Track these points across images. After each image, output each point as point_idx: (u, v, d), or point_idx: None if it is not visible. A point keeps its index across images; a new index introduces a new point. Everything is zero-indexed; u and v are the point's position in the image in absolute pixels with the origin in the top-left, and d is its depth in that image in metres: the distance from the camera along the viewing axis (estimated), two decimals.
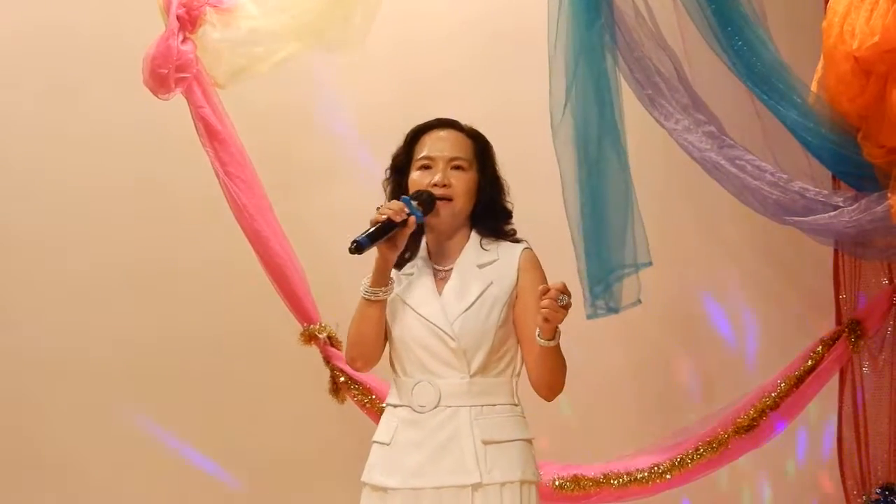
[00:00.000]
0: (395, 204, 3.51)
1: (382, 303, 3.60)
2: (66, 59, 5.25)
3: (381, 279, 3.57)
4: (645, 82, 4.31)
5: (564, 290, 3.37)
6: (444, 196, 3.59)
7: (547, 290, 3.36)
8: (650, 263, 4.13)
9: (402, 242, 3.56)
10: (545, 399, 3.61)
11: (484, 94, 4.97)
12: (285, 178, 5.00)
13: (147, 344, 5.20)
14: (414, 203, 3.53)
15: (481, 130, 3.74)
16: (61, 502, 5.20)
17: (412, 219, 3.52)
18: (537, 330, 3.45)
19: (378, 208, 3.53)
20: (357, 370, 3.82)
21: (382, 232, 3.48)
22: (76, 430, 5.21)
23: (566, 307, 3.37)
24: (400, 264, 3.66)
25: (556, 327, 3.43)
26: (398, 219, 3.49)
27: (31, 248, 5.26)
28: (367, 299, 3.58)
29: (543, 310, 3.37)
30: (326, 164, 5.16)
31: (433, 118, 3.73)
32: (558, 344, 3.48)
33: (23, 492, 5.17)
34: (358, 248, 3.45)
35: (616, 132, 4.18)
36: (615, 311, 4.16)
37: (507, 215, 3.70)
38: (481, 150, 3.68)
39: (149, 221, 5.23)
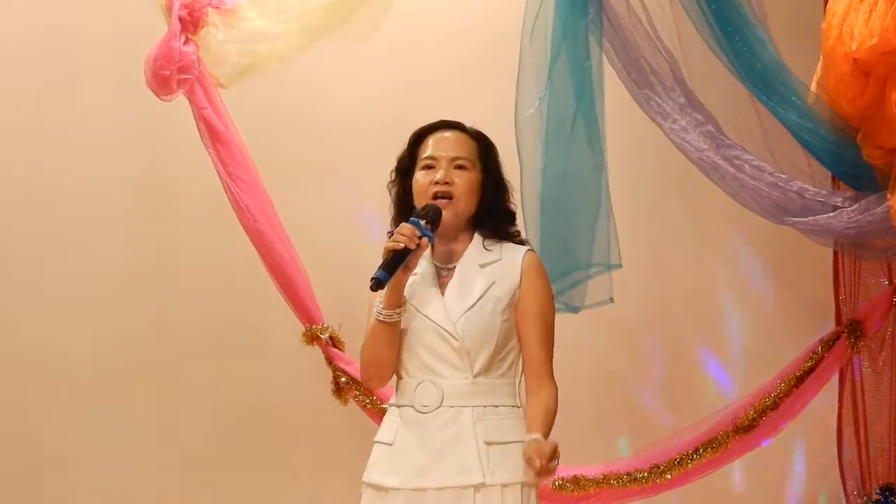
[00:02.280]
0: (407, 229, 3.46)
1: (398, 323, 3.55)
2: (67, 56, 5.25)
3: (396, 300, 3.52)
4: (641, 83, 4.31)
5: (555, 454, 3.34)
6: (445, 194, 3.57)
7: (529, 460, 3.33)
8: (620, 266, 4.12)
9: (416, 262, 3.53)
10: None
11: (486, 96, 4.96)
12: (288, 178, 5.00)
13: (147, 343, 5.20)
14: (422, 222, 3.49)
15: (482, 132, 3.73)
16: (60, 499, 5.20)
17: (424, 240, 3.48)
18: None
19: (389, 234, 3.50)
20: (373, 388, 3.80)
21: (398, 261, 3.44)
22: (74, 427, 5.20)
23: (554, 469, 3.37)
24: None
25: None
26: (413, 245, 3.45)
27: (30, 245, 5.25)
28: (383, 322, 3.55)
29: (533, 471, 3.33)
30: (329, 165, 5.16)
31: (437, 119, 3.71)
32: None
33: (20, 490, 5.17)
34: (378, 284, 3.41)
35: (594, 130, 4.18)
36: (575, 310, 4.15)
37: (511, 217, 3.68)
38: (485, 152, 3.65)
39: (150, 222, 5.23)
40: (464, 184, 3.59)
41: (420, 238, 3.47)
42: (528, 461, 3.33)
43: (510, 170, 3.74)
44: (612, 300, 4.17)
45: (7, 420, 5.23)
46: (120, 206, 5.24)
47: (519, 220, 3.73)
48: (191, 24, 4.58)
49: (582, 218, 4.14)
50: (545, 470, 3.32)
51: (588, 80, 4.16)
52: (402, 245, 3.44)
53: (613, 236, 4.12)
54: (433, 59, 5.14)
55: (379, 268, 3.43)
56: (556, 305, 3.99)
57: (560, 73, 4.14)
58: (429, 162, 3.61)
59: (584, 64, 4.16)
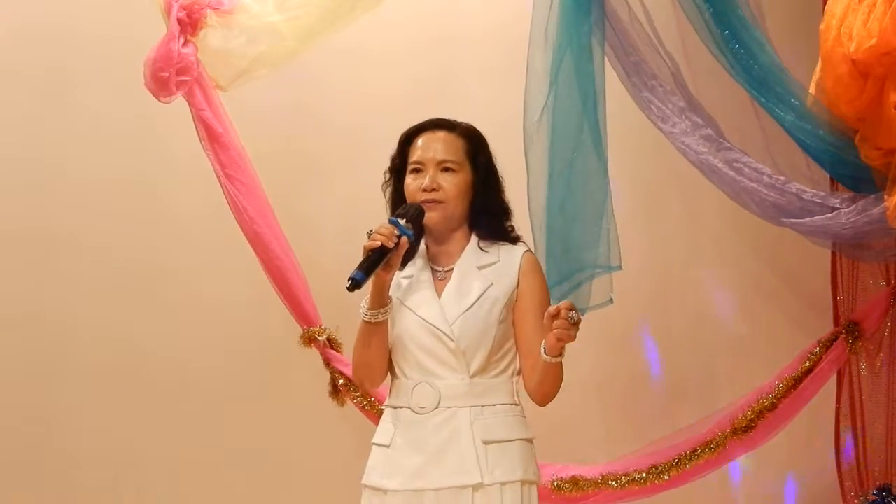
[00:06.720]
0: (385, 228, 3.46)
1: (384, 323, 3.56)
2: (66, 58, 5.25)
3: (380, 300, 3.53)
4: (641, 86, 4.31)
5: (572, 308, 3.34)
6: (432, 200, 3.56)
7: (556, 312, 3.33)
8: (620, 267, 4.14)
9: (398, 262, 3.52)
10: (538, 404, 3.60)
11: (488, 96, 4.97)
12: (286, 180, 5.00)
13: (145, 345, 5.20)
14: (402, 221, 3.48)
15: (484, 133, 3.70)
16: (62, 499, 5.20)
17: (404, 239, 3.47)
18: (543, 346, 3.43)
19: (368, 234, 3.48)
20: (365, 389, 3.80)
21: (376, 261, 3.43)
22: (74, 427, 5.21)
23: (576, 324, 3.35)
24: (401, 265, 3.61)
25: (564, 345, 3.42)
26: (391, 244, 3.44)
27: (29, 247, 5.25)
28: (368, 322, 3.56)
29: (556, 330, 3.34)
30: (328, 166, 5.16)
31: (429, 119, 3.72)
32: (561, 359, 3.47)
33: (26, 494, 5.18)
34: (355, 284, 3.39)
35: (598, 133, 4.18)
36: (581, 311, 4.17)
37: (505, 213, 3.67)
38: (474, 149, 3.63)
39: (148, 222, 5.23)
40: (452, 188, 3.58)
41: (399, 237, 3.46)
42: (551, 311, 3.33)
43: (509, 168, 3.74)
44: (612, 301, 4.18)
45: (5, 422, 5.23)
46: (119, 208, 5.24)
47: (525, 224, 3.71)
48: (190, 25, 4.59)
49: (586, 222, 4.14)
50: (566, 315, 3.31)
51: (592, 85, 4.16)
52: (378, 244, 3.44)
53: (614, 239, 4.14)
54: (432, 59, 5.14)
55: (356, 268, 3.42)
56: None
57: (565, 77, 4.15)
58: (416, 166, 3.61)
59: (587, 68, 4.16)
